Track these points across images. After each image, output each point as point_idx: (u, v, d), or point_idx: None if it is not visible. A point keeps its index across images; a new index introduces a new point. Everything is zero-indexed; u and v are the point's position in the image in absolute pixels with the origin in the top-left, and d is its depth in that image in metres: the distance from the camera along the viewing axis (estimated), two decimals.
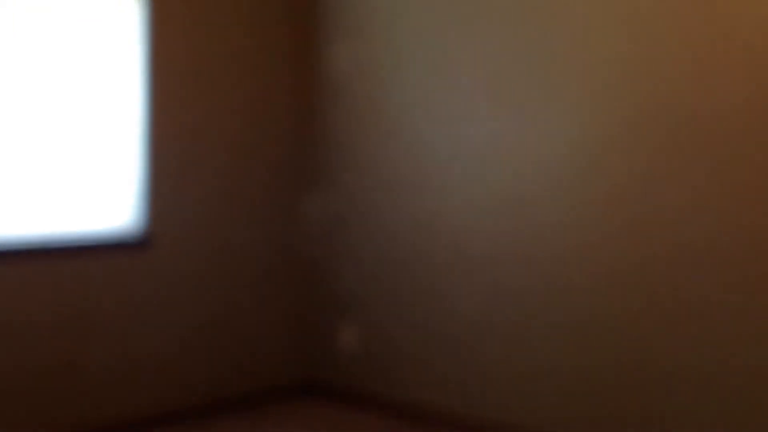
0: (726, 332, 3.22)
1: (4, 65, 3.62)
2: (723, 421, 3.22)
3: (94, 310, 3.85)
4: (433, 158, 4.13)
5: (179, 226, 4.17)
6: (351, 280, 4.52)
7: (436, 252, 4.13)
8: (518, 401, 3.83)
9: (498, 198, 3.88)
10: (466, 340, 4.01)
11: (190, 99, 4.20)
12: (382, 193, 4.35)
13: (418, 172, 4.20)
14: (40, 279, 3.65)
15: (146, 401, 4.05)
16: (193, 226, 4.22)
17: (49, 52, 3.77)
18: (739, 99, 3.16)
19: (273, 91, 4.57)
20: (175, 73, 4.13)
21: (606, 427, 3.54)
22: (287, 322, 4.66)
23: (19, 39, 3.67)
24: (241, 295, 4.44)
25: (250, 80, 4.45)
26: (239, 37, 4.40)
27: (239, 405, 4.41)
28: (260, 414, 4.33)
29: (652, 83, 3.40)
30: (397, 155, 4.29)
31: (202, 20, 4.25)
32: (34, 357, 3.66)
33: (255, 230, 4.50)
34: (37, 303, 3.65)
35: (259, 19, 4.50)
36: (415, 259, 4.22)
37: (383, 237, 4.36)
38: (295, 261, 4.70)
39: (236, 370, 4.42)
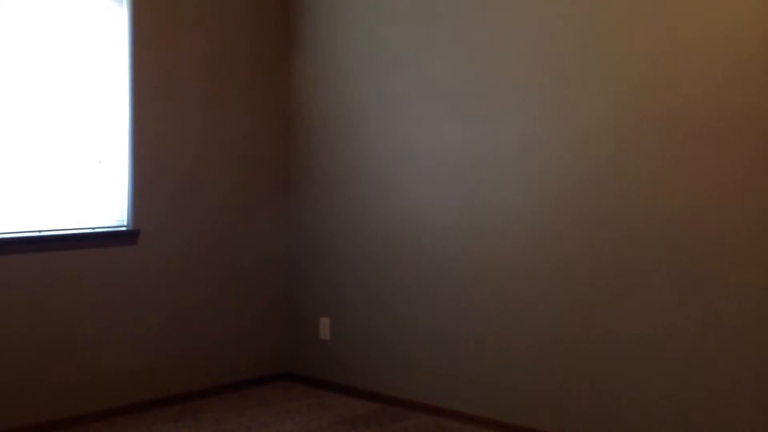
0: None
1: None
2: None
3: (88, 289, 4.07)
4: (407, 161, 4.30)
5: (164, 222, 4.35)
6: (327, 275, 4.69)
7: (410, 248, 4.29)
8: (491, 393, 3.99)
9: (470, 197, 4.05)
10: (439, 332, 4.18)
11: (170, 105, 4.36)
12: (358, 192, 4.52)
13: (391, 175, 4.36)
14: (44, 264, 3.91)
15: (129, 387, 4.24)
16: (177, 222, 4.40)
17: (39, 57, 3.93)
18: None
19: (249, 96, 4.73)
20: (155, 81, 4.30)
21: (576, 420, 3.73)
22: (264, 314, 4.83)
23: (12, 42, 3.84)
24: (222, 285, 4.62)
25: (226, 86, 4.61)
26: (215, 46, 4.56)
27: (219, 390, 4.58)
28: (241, 397, 4.51)
29: (612, 84, 3.56)
30: (372, 158, 4.45)
31: (181, 27, 4.41)
32: (35, 328, 3.91)
33: (233, 228, 4.67)
34: (42, 283, 3.91)
35: (236, 23, 4.66)
36: (389, 255, 4.38)
37: (359, 235, 4.52)
38: (273, 257, 4.86)
39: (213, 358, 4.59)
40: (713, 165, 3.26)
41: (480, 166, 4.00)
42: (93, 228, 4.10)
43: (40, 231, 3.91)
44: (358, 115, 4.52)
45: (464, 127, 4.06)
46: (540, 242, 3.79)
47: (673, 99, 3.36)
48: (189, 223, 4.46)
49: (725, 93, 3.23)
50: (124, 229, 4.21)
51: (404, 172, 4.31)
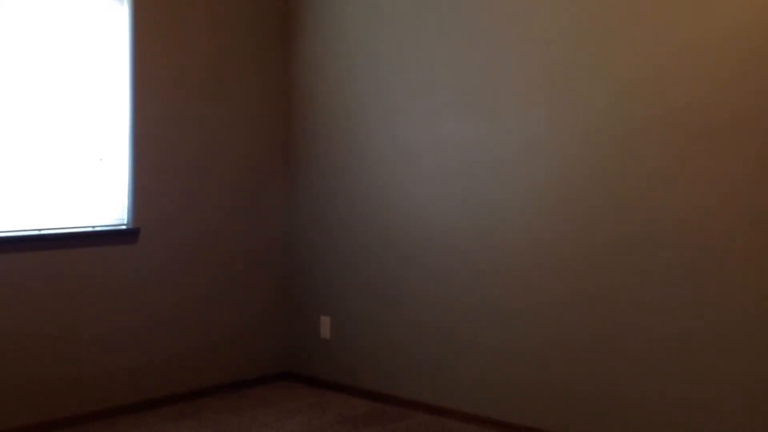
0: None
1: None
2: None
3: (88, 288, 4.06)
4: (405, 158, 4.29)
5: (164, 220, 4.34)
6: (328, 274, 4.69)
7: (410, 247, 4.29)
8: (491, 393, 4.00)
9: (470, 196, 4.04)
10: (440, 332, 4.18)
11: (171, 103, 4.35)
12: (359, 192, 4.51)
13: (391, 174, 4.36)
14: (44, 263, 3.90)
15: (129, 386, 4.23)
16: (177, 221, 4.39)
17: (40, 55, 3.92)
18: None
19: (250, 96, 4.72)
20: (156, 78, 4.28)
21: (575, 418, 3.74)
22: (264, 313, 4.83)
23: (13, 41, 3.83)
24: (222, 284, 4.62)
25: (227, 85, 4.60)
26: (216, 43, 4.54)
27: (219, 390, 4.58)
28: (241, 397, 4.51)
29: (613, 84, 3.55)
30: (372, 157, 4.44)
31: (181, 24, 4.40)
32: (34, 327, 3.89)
33: (233, 228, 4.66)
34: (41, 282, 3.89)
35: (235, 20, 4.65)
36: (390, 254, 4.38)
37: (360, 234, 4.52)
38: (273, 256, 4.86)
39: (213, 358, 4.59)
40: (715, 165, 3.25)
41: (480, 166, 3.99)
42: (93, 226, 4.09)
43: (40, 229, 3.90)
44: (357, 117, 4.51)
45: (464, 125, 4.05)
46: (541, 242, 3.79)
47: (675, 99, 3.35)
48: (189, 221, 4.45)
49: (726, 93, 3.22)
50: (124, 227, 4.20)
51: (404, 171, 4.30)
